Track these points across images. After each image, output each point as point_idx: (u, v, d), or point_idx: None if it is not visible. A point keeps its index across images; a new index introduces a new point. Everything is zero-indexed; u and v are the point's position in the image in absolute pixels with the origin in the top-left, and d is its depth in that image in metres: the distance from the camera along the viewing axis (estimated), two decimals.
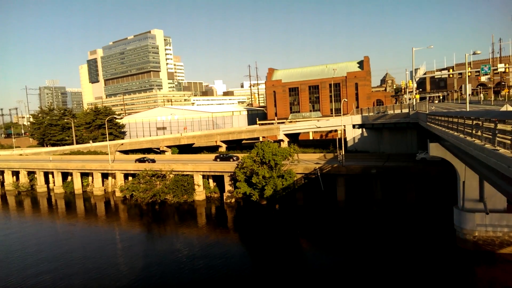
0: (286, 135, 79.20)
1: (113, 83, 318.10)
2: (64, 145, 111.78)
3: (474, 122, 21.28)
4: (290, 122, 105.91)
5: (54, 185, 77.29)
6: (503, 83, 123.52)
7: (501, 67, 72.40)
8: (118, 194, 68.41)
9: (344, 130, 71.06)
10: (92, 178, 73.96)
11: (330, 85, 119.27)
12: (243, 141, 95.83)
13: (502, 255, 32.11)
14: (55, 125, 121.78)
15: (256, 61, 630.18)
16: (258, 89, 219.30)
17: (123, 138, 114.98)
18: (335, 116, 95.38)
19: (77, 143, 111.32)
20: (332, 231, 43.24)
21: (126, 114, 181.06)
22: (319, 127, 77.43)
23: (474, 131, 21.31)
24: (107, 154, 77.97)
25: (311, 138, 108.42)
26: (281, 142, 76.52)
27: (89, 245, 43.88)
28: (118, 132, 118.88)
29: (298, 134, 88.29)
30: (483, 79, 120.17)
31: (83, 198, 70.84)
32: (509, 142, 15.53)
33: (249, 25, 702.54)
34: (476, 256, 32.65)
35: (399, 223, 43.00)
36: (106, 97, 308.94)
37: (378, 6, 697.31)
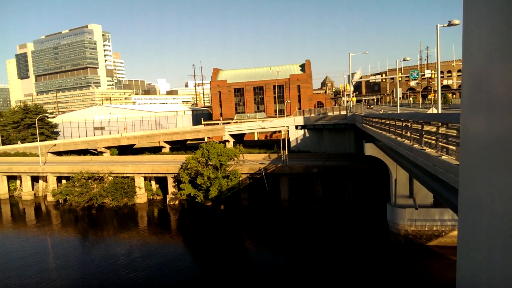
0: (232, 135, 79.15)
1: (45, 80, 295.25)
2: None
3: (404, 123, 22.89)
4: (236, 122, 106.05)
5: None
6: (429, 87, 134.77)
7: (427, 73, 79.00)
8: (50, 198, 63.50)
9: (288, 130, 72.73)
10: (21, 182, 68.04)
11: (274, 86, 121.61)
12: (188, 142, 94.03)
13: (430, 247, 34.91)
14: None
15: (201, 61, 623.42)
16: (203, 88, 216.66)
17: (55, 139, 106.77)
18: (279, 117, 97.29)
19: (4, 144, 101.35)
20: (276, 230, 44.00)
21: (60, 112, 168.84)
22: (264, 128, 78.47)
23: (404, 132, 22.91)
24: (38, 155, 72.12)
25: (256, 138, 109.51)
26: (227, 143, 76.31)
27: (14, 254, 40.14)
28: (50, 132, 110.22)
29: (244, 134, 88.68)
30: (412, 83, 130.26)
31: (10, 203, 64.83)
32: (434, 142, 16.90)
33: (202, 25, 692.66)
34: (407, 249, 35.17)
35: (338, 219, 45.01)
36: (37, 94, 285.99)
37: (317, 14, 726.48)
